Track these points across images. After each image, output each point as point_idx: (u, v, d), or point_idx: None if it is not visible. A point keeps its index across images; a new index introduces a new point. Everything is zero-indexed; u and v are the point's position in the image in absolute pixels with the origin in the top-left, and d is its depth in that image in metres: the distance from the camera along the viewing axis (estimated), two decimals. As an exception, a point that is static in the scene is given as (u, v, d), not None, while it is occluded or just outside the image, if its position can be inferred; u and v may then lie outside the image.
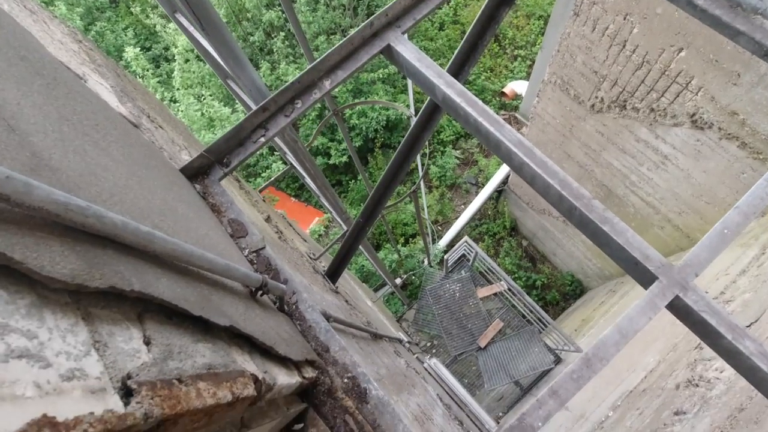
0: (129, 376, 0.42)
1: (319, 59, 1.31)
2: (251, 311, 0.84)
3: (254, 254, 1.22)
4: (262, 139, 1.34)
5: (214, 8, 1.15)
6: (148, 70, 8.91)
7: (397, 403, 1.71)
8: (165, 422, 0.44)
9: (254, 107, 1.30)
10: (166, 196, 0.89)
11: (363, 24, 1.33)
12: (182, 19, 1.72)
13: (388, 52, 1.39)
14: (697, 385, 2.98)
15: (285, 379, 0.81)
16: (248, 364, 0.70)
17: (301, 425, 0.95)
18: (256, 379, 0.68)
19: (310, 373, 0.96)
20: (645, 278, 1.11)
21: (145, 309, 0.54)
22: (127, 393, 0.41)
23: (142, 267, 0.55)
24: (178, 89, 8.97)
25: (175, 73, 8.95)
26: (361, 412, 1.02)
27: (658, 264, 1.08)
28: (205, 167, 1.32)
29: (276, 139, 2.04)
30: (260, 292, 0.93)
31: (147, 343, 0.49)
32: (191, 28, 1.51)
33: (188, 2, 1.10)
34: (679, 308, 1.09)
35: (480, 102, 1.28)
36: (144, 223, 0.66)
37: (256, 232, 1.26)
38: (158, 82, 9.15)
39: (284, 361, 0.87)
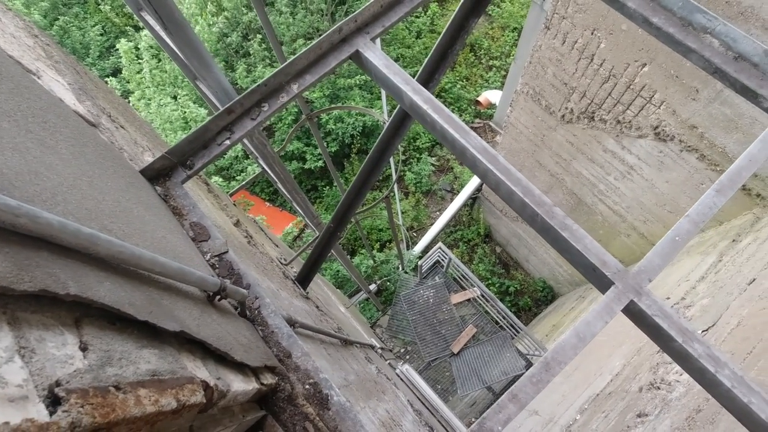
0: (58, 384, 0.40)
1: (286, 63, 1.30)
2: (207, 316, 0.82)
3: (216, 258, 1.19)
4: (228, 142, 1.31)
5: (177, 7, 1.12)
6: (137, 64, 8.78)
7: (364, 410, 1.70)
8: (98, 431, 0.42)
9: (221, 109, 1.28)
10: (120, 197, 0.87)
11: (331, 29, 1.33)
12: (148, 18, 1.68)
13: (357, 57, 1.40)
14: (659, 388, 3.08)
15: (240, 385, 0.79)
16: (199, 370, 0.69)
17: (260, 433, 0.93)
18: (206, 386, 0.66)
19: (269, 379, 0.94)
20: (602, 283, 1.15)
21: (84, 314, 0.52)
22: (54, 401, 0.39)
23: (83, 270, 0.52)
24: (148, 87, 8.77)
25: (144, 70, 8.76)
26: (322, 419, 1.01)
27: (615, 270, 1.12)
28: (167, 169, 1.29)
29: (245, 142, 2.01)
30: (218, 297, 0.91)
31: (83, 349, 0.47)
32: (158, 27, 1.47)
33: (150, 1, 1.08)
34: (634, 312, 1.13)
35: (446, 109, 1.30)
36: (91, 224, 0.64)
37: (218, 235, 1.23)
38: (140, 79, 8.95)
39: (241, 368, 0.85)
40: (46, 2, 10.20)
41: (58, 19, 10.15)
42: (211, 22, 9.18)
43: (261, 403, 0.97)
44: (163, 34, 1.33)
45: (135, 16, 1.59)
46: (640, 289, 1.10)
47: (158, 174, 1.27)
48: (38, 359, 0.41)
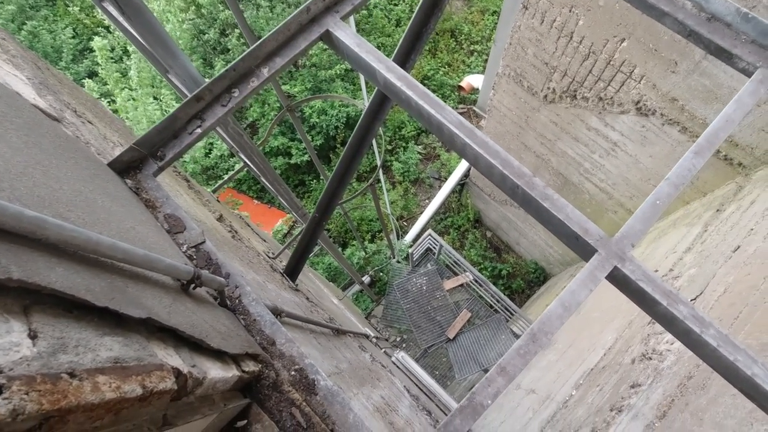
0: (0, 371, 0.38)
1: (254, 46, 1.26)
2: (180, 304, 0.79)
3: (193, 249, 1.16)
4: (199, 131, 1.28)
5: (135, -10, 1.08)
6: (112, 63, 8.58)
7: (357, 396, 1.69)
8: (49, 419, 0.39)
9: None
10: (81, 188, 0.83)
11: (299, 9, 1.29)
12: (111, 9, 1.62)
13: (328, 38, 1.36)
14: (650, 358, 3.12)
15: (219, 373, 0.77)
16: (171, 358, 0.66)
17: (245, 422, 0.91)
18: (179, 373, 0.64)
19: (251, 366, 0.92)
20: (585, 252, 1.14)
21: (35, 301, 0.49)
22: (-5, 389, 0.36)
23: (30, 255, 0.49)
24: (135, 89, 8.59)
25: (132, 72, 8.56)
26: (309, 404, 0.99)
27: (597, 237, 1.11)
28: (137, 161, 1.25)
29: (221, 132, 1.96)
30: (193, 286, 0.88)
31: (33, 336, 0.45)
32: (118, 15, 1.42)
33: (103, -18, 1.03)
34: (618, 278, 1.12)
35: (421, 86, 1.27)
36: (42, 211, 0.61)
37: (194, 226, 1.20)
38: (118, 78, 8.75)
39: (219, 355, 0.83)
40: (12, 5, 9.89)
41: (25, 23, 9.86)
42: (180, 18, 8.98)
43: (245, 392, 0.95)
44: (123, 21, 1.28)
45: (99, 10, 1.55)
46: (623, 254, 1.09)
47: (128, 167, 1.23)
48: (-23, 346, 0.38)
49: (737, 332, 2.38)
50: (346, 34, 1.35)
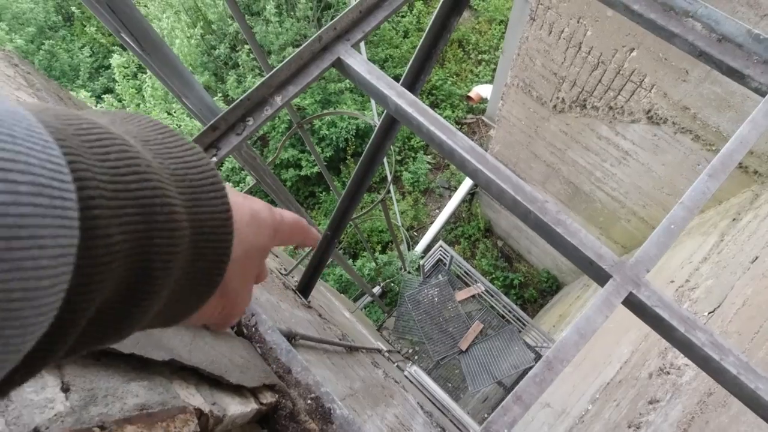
0: (36, 431, 0.39)
1: (268, 75, 1.29)
2: (200, 340, 0.81)
3: (210, 277, 1.18)
4: (214, 159, 1.30)
5: (153, 27, 1.12)
6: (129, 80, 8.83)
7: (371, 418, 1.69)
8: (82, 476, 0.41)
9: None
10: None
11: (311, 38, 1.32)
12: (128, 38, 1.67)
13: (339, 65, 1.39)
14: (668, 373, 3.06)
15: (238, 408, 0.78)
16: (193, 397, 0.67)
17: (263, 453, 0.92)
18: (200, 413, 0.65)
19: (268, 398, 0.93)
20: (600, 277, 1.14)
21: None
22: (33, 450, 0.38)
23: (62, 307, 0.51)
24: (149, 101, 8.81)
25: (147, 85, 8.79)
26: (325, 434, 1.00)
27: (611, 262, 1.11)
28: (155, 190, 1.28)
29: (236, 157, 2.00)
30: (211, 319, 0.90)
31: (65, 390, 0.46)
32: (136, 47, 1.46)
33: (123, 22, 1.07)
34: (634, 304, 1.11)
35: (431, 111, 1.29)
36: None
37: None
38: (134, 94, 8.99)
39: (238, 389, 0.84)
40: (32, 27, 10.21)
41: (44, 43, 10.16)
42: (189, 34, 9.18)
43: (262, 423, 0.96)
44: (140, 52, 1.32)
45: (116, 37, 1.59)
46: (639, 280, 1.09)
47: (146, 196, 1.26)
48: (15, 407, 0.40)
49: (758, 348, 2.33)
50: (357, 61, 1.38)
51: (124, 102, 8.95)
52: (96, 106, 8.70)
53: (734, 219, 4.07)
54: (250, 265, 0.45)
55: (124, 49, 10.47)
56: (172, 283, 0.33)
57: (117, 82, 8.81)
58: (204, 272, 0.36)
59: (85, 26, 11.11)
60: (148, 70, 9.08)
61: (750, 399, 1.01)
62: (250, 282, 0.47)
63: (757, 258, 3.07)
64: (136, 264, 0.29)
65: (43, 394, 0.44)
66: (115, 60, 8.52)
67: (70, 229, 0.24)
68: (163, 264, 0.31)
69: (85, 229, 0.25)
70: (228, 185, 0.43)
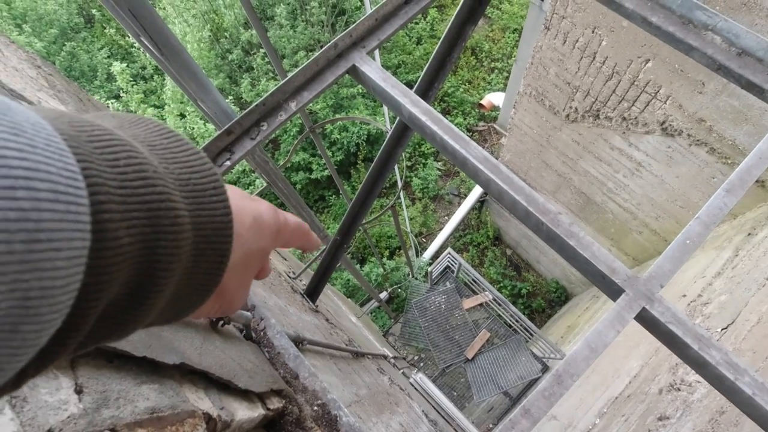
0: (51, 432, 0.40)
1: (283, 81, 1.30)
2: (210, 344, 0.81)
3: (220, 280, 1.19)
4: (228, 163, 1.32)
5: (173, 32, 1.13)
6: (133, 85, 8.93)
7: (376, 425, 1.68)
8: (93, 479, 0.41)
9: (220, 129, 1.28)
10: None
11: (327, 45, 1.33)
12: (148, 43, 1.70)
13: (354, 72, 1.40)
14: (679, 389, 3.01)
15: (245, 413, 0.78)
16: (202, 401, 0.68)
17: (268, 459, 0.92)
18: (209, 418, 0.65)
19: (275, 403, 0.93)
20: (612, 291, 1.12)
21: (80, 354, 0.51)
22: (46, 452, 0.38)
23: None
24: (167, 104, 8.91)
25: (167, 88, 8.88)
26: (331, 441, 1.00)
27: (624, 277, 1.09)
28: (169, 192, 1.29)
29: (248, 160, 2.02)
30: (222, 323, 0.90)
31: (78, 392, 0.47)
32: (156, 52, 1.49)
33: (144, 27, 1.08)
34: (646, 320, 1.10)
35: (445, 120, 1.29)
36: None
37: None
38: (142, 99, 9.09)
39: (246, 394, 0.84)
40: (55, 29, 10.44)
41: (65, 44, 10.38)
42: (198, 38, 9.29)
43: (268, 428, 0.96)
44: (160, 56, 1.34)
45: (135, 40, 1.63)
46: (652, 295, 1.07)
47: (160, 198, 1.27)
48: (30, 408, 0.40)
49: (773, 367, 2.27)
50: (372, 68, 1.38)
51: (132, 108, 9.03)
52: (109, 107, 8.84)
53: (749, 234, 3.99)
54: (250, 266, 0.47)
55: (139, 50, 10.65)
56: (174, 283, 0.34)
57: (123, 89, 8.84)
58: (205, 272, 0.37)
59: (105, 28, 11.34)
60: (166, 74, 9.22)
61: (765, 420, 0.98)
62: (248, 282, 0.49)
63: (772, 275, 3.01)
64: (143, 265, 0.31)
65: (58, 396, 0.44)
66: (116, 67, 8.49)
67: (83, 232, 0.26)
68: (167, 265, 0.32)
69: (96, 231, 0.27)
70: (234, 188, 0.45)
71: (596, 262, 1.10)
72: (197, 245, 0.36)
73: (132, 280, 0.31)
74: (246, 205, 0.45)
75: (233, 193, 0.44)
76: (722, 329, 3.08)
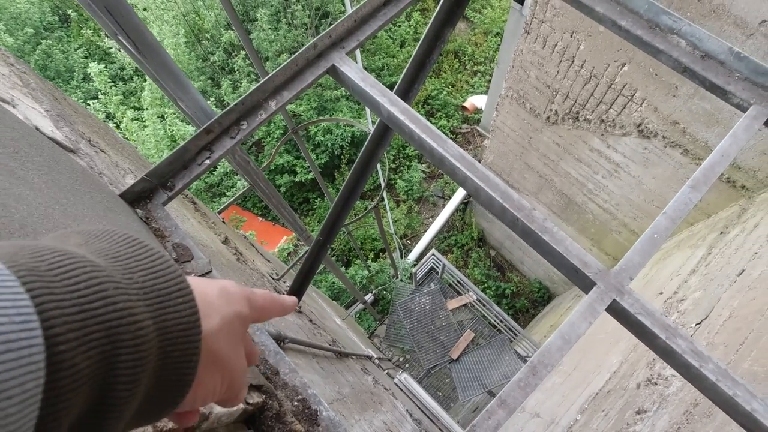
0: None
1: (263, 80, 1.31)
2: (187, 339, 0.81)
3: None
4: (208, 161, 1.32)
5: (150, 30, 1.13)
6: (112, 87, 8.73)
7: (359, 422, 1.68)
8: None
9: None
10: (97, 223, 0.86)
11: (306, 45, 1.35)
12: (125, 40, 1.68)
13: (334, 72, 1.41)
14: (656, 384, 3.09)
15: (223, 408, 0.79)
16: (179, 394, 0.68)
17: (248, 454, 0.93)
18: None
19: (255, 398, 0.93)
20: (585, 284, 1.16)
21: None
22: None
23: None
24: (146, 109, 8.73)
25: (146, 93, 8.70)
26: (311, 436, 1.01)
27: (596, 270, 1.13)
28: (147, 191, 1.29)
29: (229, 160, 2.01)
30: None
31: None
32: (133, 50, 1.48)
33: (121, 25, 1.08)
34: (617, 311, 1.14)
35: (423, 119, 1.31)
36: (61, 253, 0.64)
37: (202, 255, 1.23)
38: (121, 101, 8.90)
39: (225, 389, 0.85)
40: (30, 28, 10.19)
41: (40, 43, 10.14)
42: (175, 42, 9.16)
43: (248, 423, 0.96)
44: (137, 55, 1.33)
45: (112, 39, 1.61)
46: (622, 288, 1.11)
47: (139, 197, 1.27)
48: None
49: (743, 358, 2.36)
50: (351, 68, 1.40)
51: (111, 109, 8.78)
52: (88, 108, 8.63)
53: (722, 232, 4.13)
54: (233, 331, 0.48)
55: (119, 51, 10.46)
56: (142, 391, 0.36)
57: (101, 91, 8.64)
58: (174, 370, 0.39)
59: (81, 29, 11.12)
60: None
61: (728, 405, 1.03)
62: (239, 348, 0.50)
63: (743, 271, 3.12)
64: (102, 382, 0.32)
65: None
66: (94, 68, 8.27)
67: (36, 372, 0.26)
68: (129, 377, 0.33)
69: (52, 364, 0.28)
70: (200, 278, 0.48)
71: (569, 256, 1.14)
72: (164, 349, 0.37)
73: (93, 398, 0.32)
74: (210, 283, 0.48)
75: (197, 279, 0.46)
76: (696, 324, 3.18)
